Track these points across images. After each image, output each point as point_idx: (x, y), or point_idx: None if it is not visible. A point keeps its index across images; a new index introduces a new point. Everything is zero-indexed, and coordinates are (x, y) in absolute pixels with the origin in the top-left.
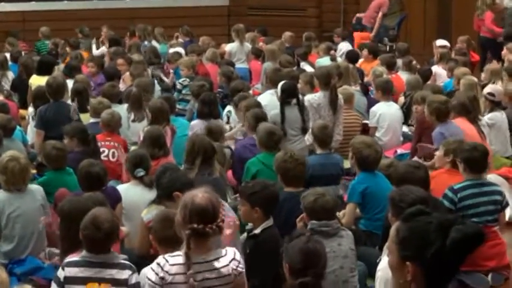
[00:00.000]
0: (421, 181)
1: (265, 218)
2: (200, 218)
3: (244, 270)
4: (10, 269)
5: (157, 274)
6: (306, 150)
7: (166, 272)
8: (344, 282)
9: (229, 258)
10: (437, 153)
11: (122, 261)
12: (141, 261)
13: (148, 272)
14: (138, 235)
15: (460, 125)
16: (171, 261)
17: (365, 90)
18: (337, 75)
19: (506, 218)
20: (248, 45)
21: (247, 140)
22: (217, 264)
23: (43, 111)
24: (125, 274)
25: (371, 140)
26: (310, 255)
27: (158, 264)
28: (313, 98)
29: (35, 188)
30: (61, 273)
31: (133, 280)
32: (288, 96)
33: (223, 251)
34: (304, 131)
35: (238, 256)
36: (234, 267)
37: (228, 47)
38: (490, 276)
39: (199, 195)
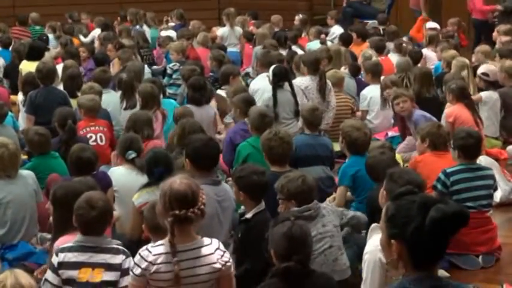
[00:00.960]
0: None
1: (254, 203)
2: (180, 204)
3: (230, 263)
4: (2, 254)
5: (140, 266)
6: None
7: (150, 262)
8: (334, 260)
9: (214, 247)
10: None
11: (116, 246)
12: (132, 245)
13: (132, 265)
14: (130, 220)
15: (457, 111)
16: (154, 251)
17: (355, 71)
18: (326, 59)
19: (497, 200)
20: (239, 29)
21: (238, 125)
22: (202, 251)
23: (33, 96)
24: (118, 259)
25: (360, 123)
26: (294, 240)
27: (141, 256)
28: (301, 82)
29: (26, 173)
30: (55, 259)
31: (126, 264)
32: (280, 79)
33: (209, 240)
34: (297, 113)
35: (222, 247)
36: (219, 256)
37: (220, 32)
38: (480, 258)
39: (177, 181)
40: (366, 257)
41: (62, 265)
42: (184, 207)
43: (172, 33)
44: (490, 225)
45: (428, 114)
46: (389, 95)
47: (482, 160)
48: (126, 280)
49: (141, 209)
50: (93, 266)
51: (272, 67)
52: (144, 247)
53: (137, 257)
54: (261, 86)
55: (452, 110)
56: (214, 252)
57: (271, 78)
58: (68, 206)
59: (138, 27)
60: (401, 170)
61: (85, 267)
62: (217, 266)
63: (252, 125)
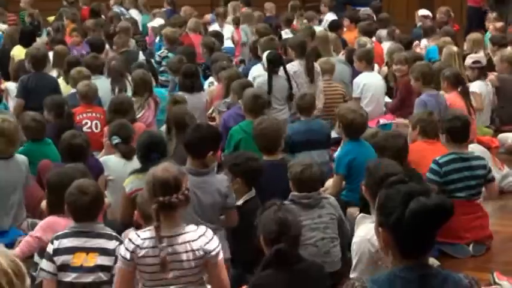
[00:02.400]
0: (399, 150)
1: (247, 189)
2: (163, 190)
3: (217, 251)
4: None
5: (128, 250)
6: (288, 120)
7: (138, 246)
8: (325, 252)
9: (198, 234)
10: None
11: (109, 231)
12: (124, 229)
13: (121, 249)
14: (120, 206)
15: (452, 99)
16: (142, 236)
17: (350, 59)
18: (310, 37)
19: None
20: (230, 28)
21: (233, 109)
22: (185, 237)
23: (25, 80)
24: (111, 244)
25: (356, 105)
26: (282, 223)
27: (130, 240)
28: (290, 67)
29: (20, 158)
30: (50, 247)
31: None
32: (275, 65)
33: (194, 227)
34: (290, 98)
35: (209, 234)
36: (203, 243)
37: (211, 28)
38: (471, 246)
39: (159, 168)
40: (354, 247)
41: (57, 251)
42: (168, 194)
43: (160, 21)
44: (479, 213)
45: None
46: (400, 71)
47: (475, 148)
48: None
49: (132, 195)
50: (88, 250)
51: (266, 54)
52: (132, 231)
53: (126, 240)
54: (259, 73)
55: (447, 99)
56: (198, 238)
57: (265, 65)
58: (63, 191)
59: (123, 9)
60: (379, 162)
61: (79, 252)
62: (200, 253)
63: (245, 107)
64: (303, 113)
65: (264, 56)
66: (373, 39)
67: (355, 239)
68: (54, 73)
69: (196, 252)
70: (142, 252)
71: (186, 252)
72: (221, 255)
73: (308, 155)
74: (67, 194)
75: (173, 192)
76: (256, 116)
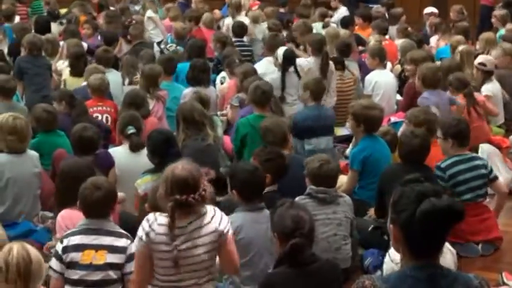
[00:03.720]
0: (413, 148)
1: (271, 184)
2: (181, 189)
3: (229, 228)
4: None
5: (144, 229)
6: None
7: (153, 230)
8: (336, 249)
9: (210, 214)
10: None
11: (119, 230)
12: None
13: (139, 228)
14: (133, 204)
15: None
16: (160, 221)
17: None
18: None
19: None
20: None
21: (247, 108)
22: (199, 222)
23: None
24: (121, 242)
25: (370, 101)
26: (295, 218)
27: (147, 220)
28: (304, 63)
29: (32, 153)
30: (59, 246)
31: (132, 249)
32: (290, 63)
33: (204, 209)
34: None
35: (218, 213)
36: (217, 224)
37: (226, 22)
38: (480, 246)
39: (178, 167)
40: (384, 266)
41: (66, 249)
42: (185, 193)
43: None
44: (487, 214)
45: (441, 96)
46: (407, 71)
47: (485, 148)
48: (133, 266)
49: (145, 197)
50: (97, 248)
51: (282, 51)
52: (152, 213)
53: (144, 221)
54: (265, 70)
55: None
56: (211, 220)
57: (280, 61)
58: (72, 180)
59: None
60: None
61: (88, 249)
62: (215, 235)
63: (249, 100)
64: (315, 98)
65: (280, 52)
66: (387, 36)
67: (386, 258)
68: (66, 64)
69: (212, 235)
70: (155, 238)
71: (201, 237)
72: (231, 231)
73: (316, 141)
74: (81, 189)
75: (191, 191)
76: (262, 108)
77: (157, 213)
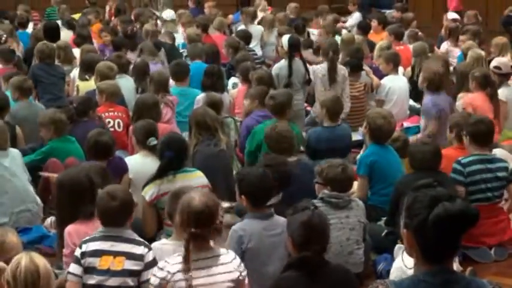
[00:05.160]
0: (426, 156)
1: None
2: (197, 222)
3: (246, 273)
4: None
5: (158, 277)
6: (302, 102)
7: (168, 271)
8: (349, 253)
9: (231, 256)
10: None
11: (137, 238)
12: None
13: (152, 278)
14: (143, 219)
15: (475, 100)
16: (172, 261)
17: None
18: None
19: None
20: (258, 28)
21: (255, 112)
22: (219, 260)
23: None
24: (139, 249)
25: (386, 111)
26: (313, 230)
27: (159, 268)
28: (319, 69)
29: (14, 151)
30: (78, 251)
31: (150, 257)
32: (295, 49)
33: (225, 250)
34: (308, 82)
35: (238, 257)
36: (236, 266)
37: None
38: (493, 250)
39: (196, 198)
40: (393, 275)
41: (85, 254)
42: (201, 225)
43: (166, 14)
44: (501, 216)
45: (443, 98)
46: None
47: (498, 152)
48: (150, 274)
49: (153, 202)
50: (115, 254)
51: (287, 37)
52: (162, 260)
53: (155, 269)
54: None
55: (471, 100)
56: (232, 261)
57: (286, 48)
58: (70, 192)
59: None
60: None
61: (106, 255)
62: (235, 274)
63: (268, 108)
64: (332, 117)
65: (285, 39)
66: (406, 42)
67: (392, 269)
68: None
69: (231, 274)
70: (172, 277)
71: (219, 274)
72: (247, 277)
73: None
74: (97, 199)
75: (207, 223)
76: (281, 116)
77: (167, 258)
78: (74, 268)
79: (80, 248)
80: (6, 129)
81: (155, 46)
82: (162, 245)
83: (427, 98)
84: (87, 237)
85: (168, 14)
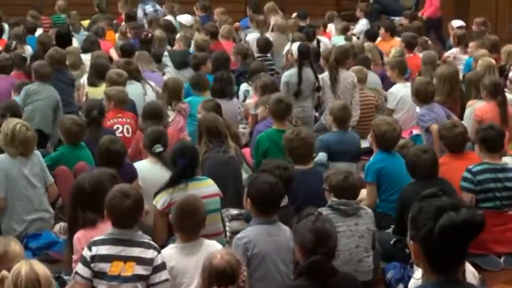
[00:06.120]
0: (427, 165)
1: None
2: (219, 281)
3: None
4: (25, 243)
5: None
6: (313, 110)
7: None
8: (358, 261)
9: None
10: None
11: (147, 240)
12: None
13: None
14: (154, 226)
15: (487, 109)
16: None
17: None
18: (352, 56)
19: None
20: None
21: (266, 120)
22: None
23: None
24: (149, 254)
25: (392, 119)
26: (320, 234)
27: None
28: (326, 76)
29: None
30: (87, 253)
31: (159, 261)
32: (305, 57)
33: None
34: (318, 89)
35: None
36: None
37: (249, 37)
38: (502, 259)
39: (217, 256)
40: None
41: (95, 258)
42: (223, 284)
43: (184, 19)
44: (511, 225)
45: (437, 110)
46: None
47: (508, 161)
48: (158, 277)
49: (165, 211)
50: (125, 259)
51: (297, 45)
52: None
53: None
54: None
55: (482, 109)
56: None
57: (295, 56)
58: (78, 198)
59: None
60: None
61: (117, 261)
62: None
63: (269, 111)
64: (339, 124)
65: (294, 47)
66: (415, 50)
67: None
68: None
69: None
70: None
71: None
72: None
73: (338, 166)
74: (109, 197)
75: (229, 282)
76: (281, 121)
77: None
78: (81, 269)
79: (90, 249)
80: (34, 139)
81: (157, 55)
82: (169, 249)
83: (420, 113)
84: (97, 239)
85: (186, 18)
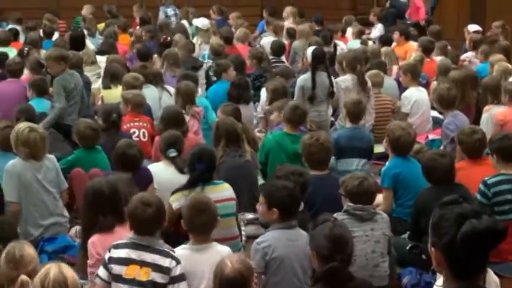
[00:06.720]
0: (445, 169)
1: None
2: None
3: None
4: (41, 247)
5: None
6: (328, 114)
7: None
8: (374, 266)
9: None
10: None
11: (166, 249)
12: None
13: None
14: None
15: (505, 114)
16: None
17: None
18: (364, 60)
19: None
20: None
21: (281, 125)
22: None
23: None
24: (166, 262)
25: (406, 123)
26: (337, 241)
27: None
28: (342, 81)
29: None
30: (107, 255)
31: (177, 272)
32: (319, 61)
33: None
34: (331, 95)
35: None
36: None
37: (263, 41)
38: None
39: (229, 265)
40: None
41: (112, 260)
42: None
43: (200, 23)
44: None
45: (462, 119)
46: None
47: None
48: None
49: (178, 211)
50: (142, 264)
51: (311, 49)
52: None
53: None
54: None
55: (504, 113)
56: None
57: (310, 60)
58: (93, 202)
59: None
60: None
61: (133, 264)
62: None
63: (284, 118)
64: (353, 120)
65: (309, 51)
66: (432, 55)
67: None
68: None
69: None
70: None
71: None
72: None
73: (349, 162)
74: (130, 206)
75: None
76: (294, 127)
77: None
78: (101, 272)
79: (109, 251)
80: (45, 140)
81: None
82: (180, 249)
83: (446, 121)
84: (118, 242)
85: (202, 22)
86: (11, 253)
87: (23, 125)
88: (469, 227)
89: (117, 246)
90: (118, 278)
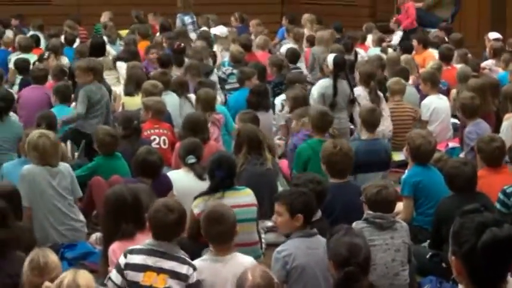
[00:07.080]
0: (467, 177)
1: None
2: None
3: None
4: (61, 254)
5: None
6: (347, 121)
7: None
8: (395, 275)
9: None
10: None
11: (183, 256)
12: (191, 245)
13: None
14: (188, 226)
15: None
16: None
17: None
18: (380, 67)
19: None
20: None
21: (301, 132)
22: None
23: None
24: (184, 269)
25: (427, 132)
26: (351, 247)
27: None
28: (355, 89)
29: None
30: (122, 260)
31: (194, 279)
32: (340, 69)
33: None
34: (352, 102)
35: None
36: None
37: (283, 49)
38: None
39: (249, 278)
40: None
41: (128, 266)
42: None
43: (219, 30)
44: None
45: (484, 127)
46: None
47: None
48: None
49: (199, 217)
50: (159, 271)
51: (332, 57)
52: None
53: None
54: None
55: None
56: None
57: (331, 68)
58: (115, 210)
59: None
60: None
61: (150, 271)
62: None
63: (312, 124)
64: (368, 128)
65: (330, 59)
66: (452, 63)
67: None
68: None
69: None
70: None
71: None
72: None
73: (367, 177)
74: (152, 210)
75: None
76: (322, 133)
77: None
78: (114, 276)
79: (125, 257)
80: (56, 146)
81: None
82: (201, 261)
83: (468, 130)
84: (134, 247)
85: (221, 30)
86: (35, 260)
87: (36, 131)
88: (490, 236)
89: (132, 252)
90: (134, 285)
